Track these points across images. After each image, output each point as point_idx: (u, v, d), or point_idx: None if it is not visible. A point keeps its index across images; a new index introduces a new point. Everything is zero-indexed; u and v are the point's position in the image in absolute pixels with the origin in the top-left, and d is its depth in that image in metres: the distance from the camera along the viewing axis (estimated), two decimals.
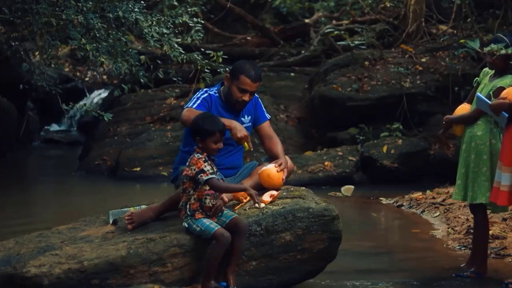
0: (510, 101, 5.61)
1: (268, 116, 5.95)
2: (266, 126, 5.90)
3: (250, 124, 5.86)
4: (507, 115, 5.68)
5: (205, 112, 5.53)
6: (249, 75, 5.68)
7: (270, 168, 5.56)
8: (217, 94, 5.79)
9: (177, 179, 5.72)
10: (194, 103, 5.67)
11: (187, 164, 5.20)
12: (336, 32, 14.69)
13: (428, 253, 7.01)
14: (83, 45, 7.58)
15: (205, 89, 5.82)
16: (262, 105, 5.97)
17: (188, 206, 5.15)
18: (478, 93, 5.93)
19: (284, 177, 5.59)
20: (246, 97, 5.70)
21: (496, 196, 5.74)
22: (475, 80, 6.27)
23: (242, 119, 5.81)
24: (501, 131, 5.91)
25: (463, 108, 6.17)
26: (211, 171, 5.12)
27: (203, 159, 5.15)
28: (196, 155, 5.18)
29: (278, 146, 5.81)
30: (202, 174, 5.10)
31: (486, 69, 6.21)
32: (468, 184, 5.99)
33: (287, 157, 5.85)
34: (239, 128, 5.55)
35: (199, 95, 5.74)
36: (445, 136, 6.23)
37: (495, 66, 5.98)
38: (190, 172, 5.15)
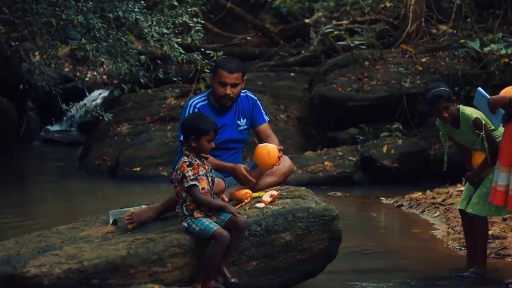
0: (511, 96, 5.60)
1: (267, 118, 5.93)
2: (265, 127, 5.89)
3: (246, 126, 5.86)
4: (503, 111, 5.68)
5: (197, 112, 5.54)
6: (225, 67, 5.71)
7: (271, 146, 5.52)
8: (206, 101, 5.77)
9: None
10: None
11: (176, 168, 5.22)
12: (336, 32, 14.69)
13: (428, 253, 7.01)
14: (83, 45, 7.58)
15: (191, 102, 5.77)
16: (262, 108, 5.95)
17: (184, 208, 5.16)
18: (479, 88, 5.90)
19: (279, 161, 5.56)
20: (227, 90, 5.69)
21: (493, 196, 5.75)
22: (442, 135, 6.21)
23: (238, 121, 5.82)
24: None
25: (481, 156, 6.04)
26: (192, 176, 5.11)
27: (187, 163, 5.14)
28: (181, 159, 5.19)
29: (275, 142, 5.78)
30: (184, 180, 5.11)
31: (439, 121, 6.15)
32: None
33: (286, 157, 5.85)
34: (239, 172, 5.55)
35: None
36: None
37: (451, 115, 5.93)
38: (176, 176, 5.17)
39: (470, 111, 5.98)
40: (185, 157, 5.18)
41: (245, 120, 5.85)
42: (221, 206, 5.16)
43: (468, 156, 6.12)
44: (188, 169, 5.12)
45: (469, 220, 6.12)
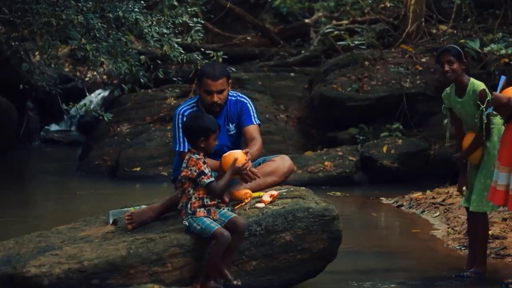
0: (510, 97, 5.60)
1: (256, 121, 5.84)
2: (251, 129, 5.80)
3: (235, 131, 5.85)
4: (490, 110, 5.72)
5: (195, 113, 5.54)
6: (208, 75, 5.67)
7: (237, 152, 5.37)
8: (194, 109, 5.75)
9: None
10: (183, 144, 5.60)
11: (184, 165, 5.20)
12: (336, 32, 14.70)
13: (428, 253, 7.01)
14: (83, 45, 7.58)
15: (179, 111, 5.73)
16: (252, 111, 5.86)
17: (189, 206, 5.15)
18: (502, 76, 5.89)
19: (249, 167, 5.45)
20: (214, 98, 5.67)
21: (493, 196, 5.76)
22: (444, 108, 6.18)
23: (227, 127, 5.82)
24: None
25: (470, 137, 6.06)
26: (210, 173, 5.14)
27: (202, 160, 5.15)
28: (194, 156, 5.17)
29: (254, 147, 5.71)
30: (203, 177, 5.11)
31: (445, 92, 6.15)
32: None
33: (287, 157, 5.84)
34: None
35: (180, 132, 5.65)
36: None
37: (455, 73, 5.90)
38: (190, 173, 5.15)
39: (480, 83, 5.94)
40: (197, 155, 5.17)
41: (233, 125, 5.83)
42: (231, 175, 5.21)
43: (461, 137, 6.10)
44: (205, 166, 5.12)
45: (471, 218, 6.14)
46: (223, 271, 5.09)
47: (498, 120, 5.97)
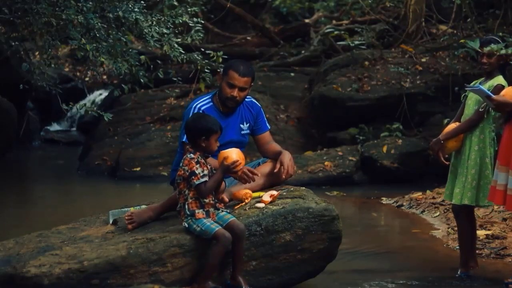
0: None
1: (268, 126, 6.00)
2: (267, 136, 5.96)
3: (248, 131, 5.90)
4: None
5: (200, 113, 5.54)
6: (237, 70, 5.71)
7: (229, 151, 5.30)
8: (210, 104, 5.77)
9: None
10: None
11: (181, 164, 5.20)
12: (336, 32, 14.71)
13: (428, 253, 7.01)
14: (83, 45, 7.57)
15: (195, 105, 5.75)
16: (264, 116, 6.00)
17: (186, 207, 5.14)
18: (479, 85, 5.87)
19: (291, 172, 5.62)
20: (234, 93, 5.70)
21: (493, 195, 5.75)
22: (463, 96, 6.17)
23: (241, 125, 5.84)
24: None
25: (454, 125, 6.05)
26: (202, 173, 5.10)
27: (195, 160, 5.13)
28: (188, 155, 5.17)
29: (278, 147, 5.88)
30: (193, 177, 5.09)
31: (473, 83, 6.14)
32: (474, 187, 5.95)
33: (287, 153, 5.88)
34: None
35: None
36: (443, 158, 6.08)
37: (492, 66, 5.92)
38: (183, 173, 5.15)
39: (503, 80, 5.87)
40: (192, 154, 5.16)
41: (247, 125, 5.88)
42: (221, 173, 5.14)
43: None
44: (197, 166, 5.11)
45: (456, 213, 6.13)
46: (237, 278, 5.11)
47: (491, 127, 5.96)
